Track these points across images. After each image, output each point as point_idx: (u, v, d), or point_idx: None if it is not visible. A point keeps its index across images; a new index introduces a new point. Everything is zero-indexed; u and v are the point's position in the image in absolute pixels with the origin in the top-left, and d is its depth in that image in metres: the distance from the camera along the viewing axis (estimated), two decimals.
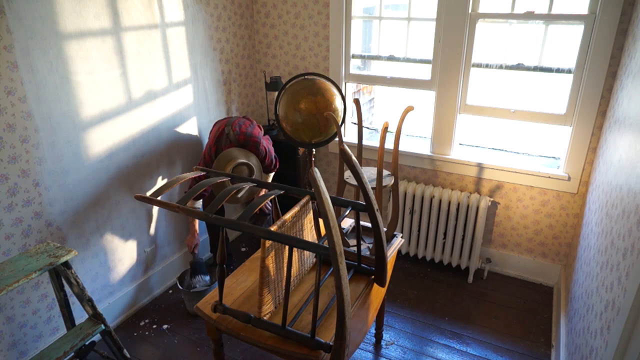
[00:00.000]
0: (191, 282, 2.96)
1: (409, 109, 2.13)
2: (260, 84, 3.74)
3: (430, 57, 3.07)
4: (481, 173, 3.12)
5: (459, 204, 3.10)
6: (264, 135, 2.99)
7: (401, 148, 3.25)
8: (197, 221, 2.96)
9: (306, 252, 2.04)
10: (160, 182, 2.97)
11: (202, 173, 2.05)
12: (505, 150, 3.42)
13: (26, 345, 2.34)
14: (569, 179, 2.89)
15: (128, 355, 2.31)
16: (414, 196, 3.23)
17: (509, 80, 6.29)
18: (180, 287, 2.85)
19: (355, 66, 3.44)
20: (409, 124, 3.15)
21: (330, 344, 1.65)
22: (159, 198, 1.82)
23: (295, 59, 3.55)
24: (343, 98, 2.73)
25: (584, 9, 2.58)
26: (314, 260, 2.14)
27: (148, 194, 2.79)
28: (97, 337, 2.57)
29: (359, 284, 2.04)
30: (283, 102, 2.65)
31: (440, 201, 3.15)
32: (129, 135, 2.67)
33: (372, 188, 2.17)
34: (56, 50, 2.19)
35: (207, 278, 3.00)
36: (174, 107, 2.95)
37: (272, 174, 3.10)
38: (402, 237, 2.41)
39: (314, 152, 3.02)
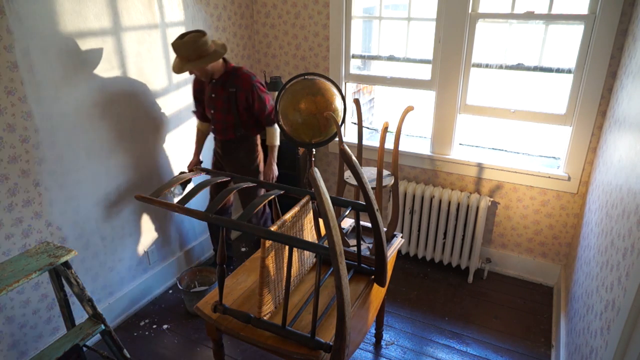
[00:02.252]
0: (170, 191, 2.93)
1: (409, 109, 2.13)
2: None
3: (430, 57, 3.07)
4: (481, 173, 3.12)
5: (459, 204, 3.09)
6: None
7: (401, 148, 3.25)
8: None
9: (306, 252, 2.04)
10: (160, 181, 2.97)
11: (202, 173, 2.05)
12: (505, 150, 3.42)
13: (26, 345, 2.34)
14: (569, 179, 2.89)
15: (128, 355, 2.31)
16: (414, 196, 3.23)
17: (509, 80, 6.27)
18: (180, 287, 2.85)
19: (355, 66, 3.44)
20: (409, 124, 3.14)
21: (330, 344, 1.65)
22: (159, 198, 1.82)
23: (295, 59, 3.54)
24: (343, 98, 2.72)
25: (584, 9, 2.58)
26: (314, 260, 2.14)
27: (148, 193, 2.79)
28: (96, 337, 2.57)
29: (359, 284, 2.03)
30: (283, 102, 2.65)
31: (440, 201, 3.14)
32: (129, 135, 2.67)
33: (372, 188, 2.17)
34: (56, 50, 2.19)
35: (180, 190, 2.93)
36: (174, 107, 2.94)
37: (277, 128, 2.85)
38: (402, 237, 2.41)
39: (314, 152, 3.01)
